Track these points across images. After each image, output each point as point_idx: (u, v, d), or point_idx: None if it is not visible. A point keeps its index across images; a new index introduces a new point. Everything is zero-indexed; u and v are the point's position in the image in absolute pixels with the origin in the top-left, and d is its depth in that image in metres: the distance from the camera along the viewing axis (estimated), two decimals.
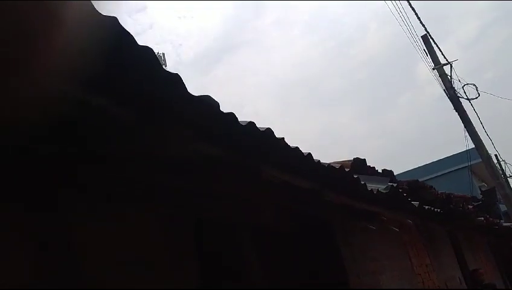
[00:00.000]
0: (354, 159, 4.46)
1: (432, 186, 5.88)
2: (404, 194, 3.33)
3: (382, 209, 3.58)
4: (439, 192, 6.51)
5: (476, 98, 14.12)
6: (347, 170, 2.56)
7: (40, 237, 1.96)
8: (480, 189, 22.64)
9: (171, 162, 2.18)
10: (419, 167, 26.80)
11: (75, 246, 2.17)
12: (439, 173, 25.02)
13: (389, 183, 3.26)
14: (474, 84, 14.26)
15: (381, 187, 2.99)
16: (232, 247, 3.90)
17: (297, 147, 1.96)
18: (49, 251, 1.96)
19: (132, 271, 3.07)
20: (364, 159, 4.58)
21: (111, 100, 1.35)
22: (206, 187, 3.05)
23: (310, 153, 2.11)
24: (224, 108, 1.53)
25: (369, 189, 2.67)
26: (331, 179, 2.55)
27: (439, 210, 5.40)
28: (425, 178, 20.33)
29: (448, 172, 24.68)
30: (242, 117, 1.65)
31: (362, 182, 2.60)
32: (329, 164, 2.31)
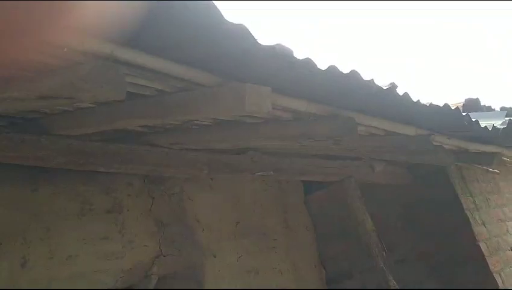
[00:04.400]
0: (466, 100, 4.06)
1: None
2: None
3: (501, 148, 3.22)
4: None
5: None
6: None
7: None
8: None
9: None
10: None
11: None
12: None
13: (506, 118, 2.89)
14: None
15: (497, 123, 2.67)
16: (343, 207, 3.80)
17: (391, 87, 1.77)
18: None
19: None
20: (478, 99, 4.15)
21: None
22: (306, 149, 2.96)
23: (407, 94, 1.90)
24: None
25: (483, 126, 2.39)
26: (441, 122, 2.31)
27: None
28: None
29: None
30: None
31: (473, 119, 2.33)
32: (439, 106, 2.08)
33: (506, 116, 3.16)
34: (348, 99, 1.83)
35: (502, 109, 4.82)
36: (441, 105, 2.05)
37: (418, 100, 1.90)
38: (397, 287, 3.26)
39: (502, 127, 2.66)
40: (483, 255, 3.79)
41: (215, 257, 3.26)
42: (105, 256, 2.73)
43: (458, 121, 2.21)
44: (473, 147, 2.97)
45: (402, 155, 2.74)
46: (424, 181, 4.00)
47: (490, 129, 2.43)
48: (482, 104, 4.14)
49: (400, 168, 3.88)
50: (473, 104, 3.82)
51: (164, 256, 3.06)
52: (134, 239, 2.91)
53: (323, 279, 3.99)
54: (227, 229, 3.41)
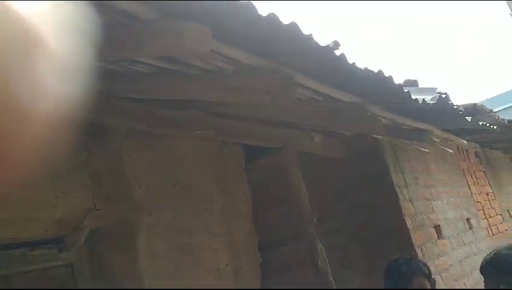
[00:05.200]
0: (405, 80, 4.24)
1: (492, 110, 5.55)
2: (455, 106, 3.12)
3: (431, 126, 3.41)
4: (500, 117, 6.14)
5: None
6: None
7: None
8: None
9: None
10: (486, 99, 25.45)
11: None
12: (503, 107, 23.72)
13: (437, 94, 3.06)
14: None
15: (428, 98, 2.82)
16: (281, 176, 3.90)
17: (330, 45, 1.82)
18: None
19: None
20: (416, 80, 4.34)
21: None
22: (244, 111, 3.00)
23: (343, 54, 1.97)
24: None
25: (414, 98, 2.51)
26: (374, 90, 2.41)
27: (496, 127, 5.10)
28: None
29: None
30: None
31: (406, 90, 2.44)
32: (373, 71, 2.15)
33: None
34: (286, 53, 1.87)
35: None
36: (376, 70, 2.15)
37: (354, 63, 1.98)
38: (324, 253, 3.40)
39: (432, 102, 2.81)
40: (408, 230, 4.02)
41: (150, 215, 3.27)
42: (36, 204, 2.68)
43: (391, 89, 2.31)
44: (405, 122, 3.12)
45: (337, 122, 2.84)
46: (360, 156, 4.16)
47: (421, 102, 2.57)
48: (420, 86, 4.33)
49: (338, 142, 4.02)
50: (411, 85, 4.00)
51: (97, 210, 3.03)
52: (67, 190, 2.86)
53: (257, 245, 4.09)
54: (164, 189, 3.42)
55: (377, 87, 2.31)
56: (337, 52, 1.87)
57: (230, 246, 3.84)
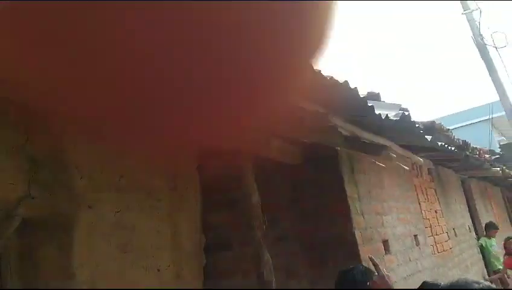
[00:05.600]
0: (368, 93, 4.19)
1: (449, 129, 5.61)
2: (416, 125, 3.09)
3: (391, 142, 3.36)
4: (455, 137, 6.24)
5: (505, 46, 13.46)
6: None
7: None
8: (499, 143, 22.22)
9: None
10: (440, 117, 26.26)
11: None
12: (457, 125, 24.50)
13: (400, 111, 3.01)
14: (503, 32, 13.55)
15: (391, 114, 2.75)
16: (234, 178, 3.77)
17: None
18: None
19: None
20: (379, 94, 4.30)
21: None
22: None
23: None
24: None
25: (378, 113, 2.44)
26: (339, 100, 2.31)
27: (454, 148, 5.16)
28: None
29: (468, 124, 24.14)
30: None
31: (370, 104, 2.36)
32: (338, 81, 2.04)
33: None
34: None
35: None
36: (341, 81, 2.04)
37: (320, 70, 1.86)
38: (270, 262, 3.29)
39: (395, 118, 2.75)
40: (357, 243, 3.97)
41: (90, 207, 3.05)
42: None
43: (355, 102, 2.22)
44: (365, 135, 3.05)
45: (297, 130, 2.73)
46: (315, 165, 4.08)
47: (383, 118, 2.49)
48: (382, 99, 4.30)
49: (295, 147, 3.92)
50: (373, 98, 3.95)
51: (32, 198, 2.80)
52: None
53: (202, 247, 3.94)
54: (108, 181, 3.21)
55: (341, 99, 2.21)
56: None
57: (174, 246, 3.68)
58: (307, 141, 3.19)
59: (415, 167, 6.26)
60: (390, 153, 3.59)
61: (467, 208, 9.09)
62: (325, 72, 1.91)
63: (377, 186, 4.75)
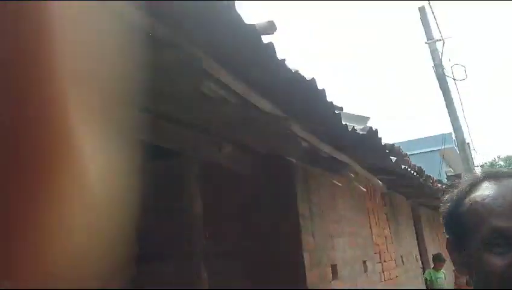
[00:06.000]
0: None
1: (407, 154, 5.44)
2: (383, 144, 2.83)
3: (352, 161, 3.07)
4: (412, 163, 6.09)
5: (463, 80, 13.67)
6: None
7: None
8: (446, 174, 22.76)
9: None
10: (398, 142, 26.68)
11: None
12: (409, 153, 24.95)
13: (368, 125, 2.73)
14: (463, 66, 13.79)
15: (358, 127, 2.46)
16: (176, 183, 3.38)
17: (253, 25, 1.34)
18: None
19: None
20: (342, 107, 4.04)
21: None
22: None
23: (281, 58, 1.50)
24: None
25: (344, 123, 2.13)
26: (301, 103, 1.98)
27: (414, 173, 4.97)
28: None
29: (419, 153, 24.64)
30: None
31: (337, 112, 2.05)
32: (304, 76, 1.70)
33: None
34: (192, 22, 1.36)
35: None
36: (308, 78, 1.71)
37: (284, 59, 1.53)
38: (207, 279, 2.91)
39: (361, 132, 2.46)
40: (304, 266, 3.64)
41: None
42: None
43: (320, 105, 1.89)
44: (326, 149, 2.74)
45: (251, 135, 2.38)
46: (269, 177, 3.75)
47: (349, 130, 2.19)
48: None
49: (248, 156, 3.57)
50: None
51: None
52: None
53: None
54: None
55: (305, 100, 1.88)
56: (267, 39, 1.40)
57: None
58: (261, 150, 2.84)
59: (369, 190, 6.05)
60: (350, 173, 3.30)
61: (415, 236, 9.00)
62: (289, 66, 1.58)
63: (330, 206, 4.46)
